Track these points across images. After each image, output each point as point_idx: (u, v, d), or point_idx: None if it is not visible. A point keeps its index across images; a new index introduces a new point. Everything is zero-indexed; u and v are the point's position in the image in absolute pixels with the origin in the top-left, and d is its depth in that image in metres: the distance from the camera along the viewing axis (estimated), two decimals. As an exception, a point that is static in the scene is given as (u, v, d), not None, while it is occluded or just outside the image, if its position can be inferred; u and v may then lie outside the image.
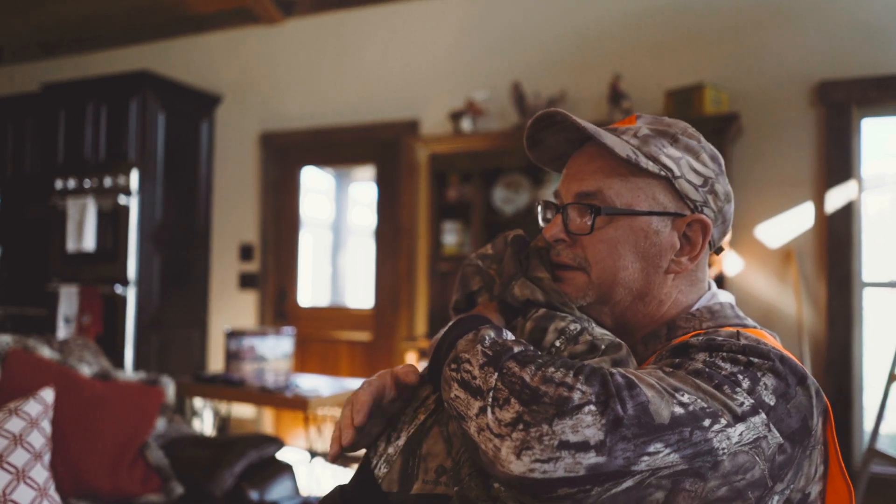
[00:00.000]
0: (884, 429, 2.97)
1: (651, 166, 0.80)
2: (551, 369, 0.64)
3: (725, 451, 0.63)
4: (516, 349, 0.68)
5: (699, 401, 0.63)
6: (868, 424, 3.16)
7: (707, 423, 0.62)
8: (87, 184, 4.12)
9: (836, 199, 3.14)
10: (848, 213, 3.12)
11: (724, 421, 0.63)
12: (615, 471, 0.59)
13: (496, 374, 0.66)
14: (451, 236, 3.75)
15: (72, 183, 4.16)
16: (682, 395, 0.63)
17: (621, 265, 0.82)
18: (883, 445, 2.93)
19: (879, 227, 3.30)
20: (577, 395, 0.61)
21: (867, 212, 3.23)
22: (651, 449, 0.60)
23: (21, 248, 4.70)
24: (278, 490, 2.22)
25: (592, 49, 3.66)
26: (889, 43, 3.09)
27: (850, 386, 3.09)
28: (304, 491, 3.02)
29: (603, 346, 0.74)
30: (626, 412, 0.60)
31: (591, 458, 0.59)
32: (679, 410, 0.62)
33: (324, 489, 3.40)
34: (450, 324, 0.79)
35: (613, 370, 0.64)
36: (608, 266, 0.82)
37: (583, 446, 0.59)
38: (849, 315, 3.11)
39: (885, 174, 3.35)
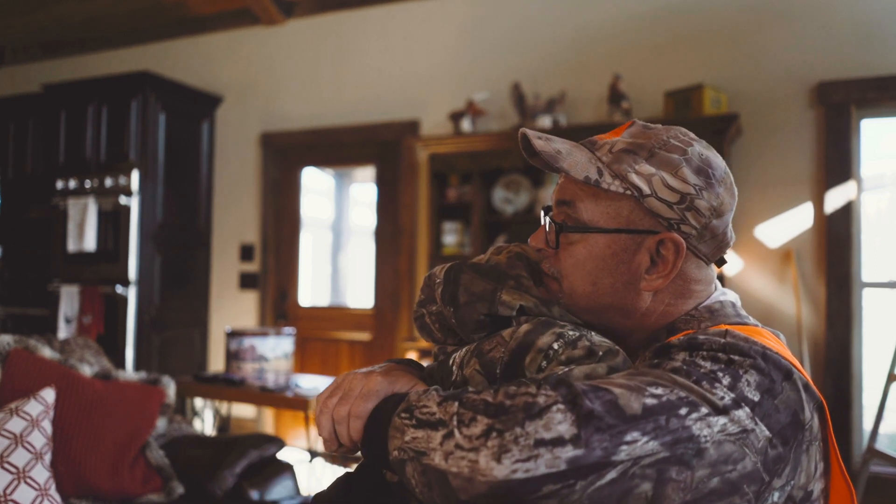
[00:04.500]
0: (883, 428, 2.98)
1: (615, 186, 0.78)
2: (512, 388, 0.64)
3: (708, 438, 0.62)
4: (471, 389, 0.70)
5: (675, 391, 0.63)
6: (867, 424, 3.17)
7: (683, 411, 0.62)
8: (88, 184, 4.13)
9: (835, 199, 3.14)
10: (847, 214, 3.12)
11: (703, 410, 0.63)
12: (596, 462, 0.59)
13: (456, 403, 0.66)
14: (451, 236, 3.76)
15: (73, 183, 4.17)
16: (656, 388, 0.63)
17: (589, 280, 0.81)
18: (882, 445, 2.93)
19: (878, 227, 3.31)
20: (541, 399, 0.62)
21: (866, 212, 3.24)
22: (628, 438, 0.60)
23: (22, 248, 4.71)
24: (279, 490, 2.23)
25: (592, 50, 3.67)
26: (888, 44, 3.09)
27: (850, 386, 3.09)
28: (305, 491, 3.03)
29: (601, 353, 0.74)
30: (595, 407, 0.61)
31: (569, 452, 0.59)
32: (651, 401, 0.62)
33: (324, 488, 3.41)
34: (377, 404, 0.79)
35: (572, 381, 0.64)
36: (576, 280, 0.82)
37: (559, 441, 0.59)
38: (848, 315, 3.12)
39: (883, 174, 3.36)
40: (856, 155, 3.17)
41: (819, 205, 3.19)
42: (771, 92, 3.28)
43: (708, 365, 0.67)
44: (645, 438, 0.61)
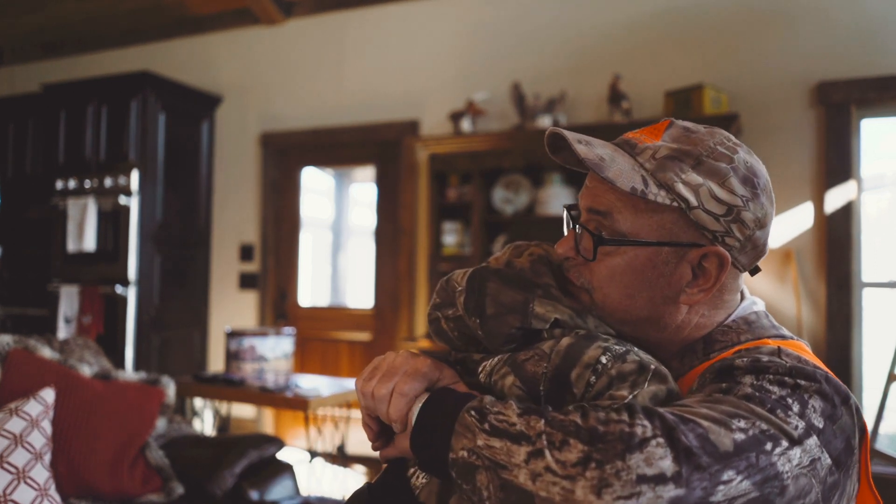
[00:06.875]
0: (883, 428, 2.98)
1: (661, 197, 0.74)
2: (601, 413, 0.61)
3: (789, 474, 0.61)
4: (550, 407, 0.66)
5: (757, 423, 0.62)
6: (867, 425, 3.16)
7: (769, 446, 0.61)
8: (88, 184, 4.13)
9: (835, 199, 3.14)
10: (847, 214, 3.12)
11: (784, 444, 0.61)
12: (694, 503, 0.57)
13: (542, 420, 0.62)
14: (451, 236, 3.76)
15: (72, 183, 4.17)
16: (740, 422, 0.61)
17: (625, 294, 0.78)
18: (882, 445, 2.93)
19: (878, 227, 3.31)
20: (639, 430, 0.58)
21: (866, 212, 3.24)
22: (725, 477, 0.58)
23: (22, 248, 4.71)
24: (278, 490, 2.23)
25: (592, 50, 3.67)
26: (888, 44, 3.09)
27: (850, 386, 3.09)
28: (304, 491, 3.03)
29: (652, 367, 0.70)
30: (691, 443, 0.58)
31: (671, 491, 0.56)
32: (740, 437, 0.60)
33: (324, 489, 3.41)
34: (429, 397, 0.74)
35: (660, 409, 0.62)
36: (611, 293, 0.78)
37: (661, 479, 0.56)
38: (848, 315, 3.11)
39: (884, 174, 3.35)
40: (856, 155, 3.17)
41: (819, 205, 3.19)
42: (771, 92, 3.28)
43: (776, 390, 0.65)
44: (739, 478, 0.59)
